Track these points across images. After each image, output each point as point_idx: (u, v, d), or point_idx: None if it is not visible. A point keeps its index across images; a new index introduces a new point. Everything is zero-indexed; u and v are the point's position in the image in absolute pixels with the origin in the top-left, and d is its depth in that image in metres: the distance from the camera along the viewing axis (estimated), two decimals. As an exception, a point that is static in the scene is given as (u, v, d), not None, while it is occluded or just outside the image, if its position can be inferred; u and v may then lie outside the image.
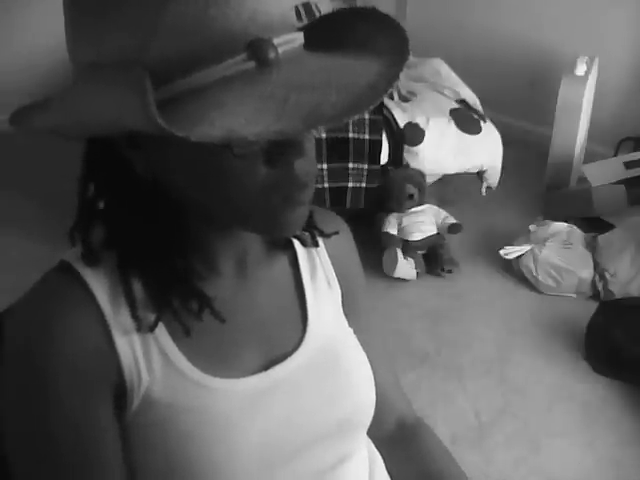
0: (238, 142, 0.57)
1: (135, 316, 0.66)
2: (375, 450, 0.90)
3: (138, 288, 0.67)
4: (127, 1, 0.56)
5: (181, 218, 0.68)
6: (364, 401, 0.81)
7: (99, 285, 0.66)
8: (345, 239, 0.87)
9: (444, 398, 2.08)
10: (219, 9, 0.55)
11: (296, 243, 0.81)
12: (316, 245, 0.82)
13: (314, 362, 0.77)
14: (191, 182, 0.63)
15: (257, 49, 0.57)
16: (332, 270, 0.84)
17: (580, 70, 2.95)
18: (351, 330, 0.85)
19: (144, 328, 0.66)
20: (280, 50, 0.58)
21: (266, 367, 0.73)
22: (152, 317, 0.66)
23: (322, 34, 0.65)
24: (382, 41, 0.65)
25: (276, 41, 0.58)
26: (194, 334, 0.68)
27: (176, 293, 0.67)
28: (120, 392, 0.66)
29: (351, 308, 0.85)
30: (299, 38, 0.61)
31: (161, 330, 0.67)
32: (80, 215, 0.69)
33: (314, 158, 0.66)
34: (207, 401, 0.68)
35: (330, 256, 0.84)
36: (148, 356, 0.67)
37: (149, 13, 0.55)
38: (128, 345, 0.66)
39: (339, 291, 0.84)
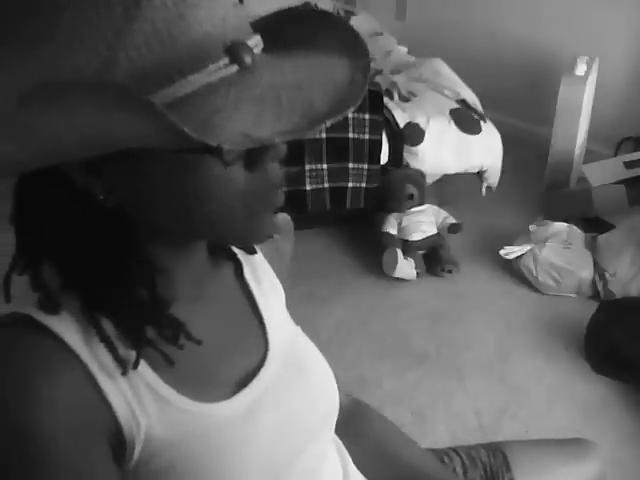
0: (256, 145, 0.54)
1: (118, 360, 0.61)
2: (339, 440, 0.90)
3: (109, 327, 0.62)
4: (86, 19, 0.52)
5: (141, 244, 0.63)
6: (334, 393, 0.82)
7: (72, 335, 0.60)
8: None
9: (444, 398, 2.08)
10: (193, 17, 0.54)
11: (237, 252, 0.79)
12: (255, 252, 0.80)
13: (285, 367, 0.76)
14: (165, 200, 0.60)
15: (238, 53, 0.55)
16: (272, 272, 0.83)
17: (580, 70, 2.95)
18: (299, 328, 0.85)
19: (127, 368, 0.61)
20: (255, 52, 0.57)
21: (244, 383, 0.72)
22: (131, 354, 0.62)
23: (265, 36, 0.61)
24: (330, 36, 0.63)
25: (250, 43, 0.57)
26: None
27: (149, 324, 0.63)
28: (118, 443, 0.62)
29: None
30: (260, 40, 0.59)
31: (142, 364, 0.63)
32: (21, 259, 0.63)
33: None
34: (204, 430, 0.65)
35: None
36: (138, 396, 0.62)
37: (115, 27, 0.52)
38: (117, 391, 0.61)
39: (282, 292, 0.84)
